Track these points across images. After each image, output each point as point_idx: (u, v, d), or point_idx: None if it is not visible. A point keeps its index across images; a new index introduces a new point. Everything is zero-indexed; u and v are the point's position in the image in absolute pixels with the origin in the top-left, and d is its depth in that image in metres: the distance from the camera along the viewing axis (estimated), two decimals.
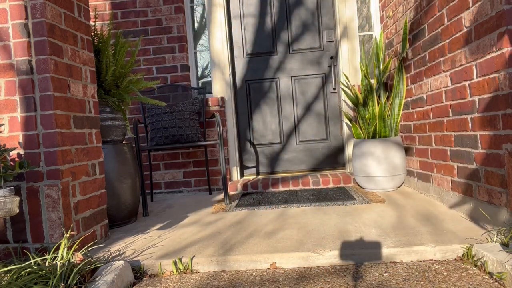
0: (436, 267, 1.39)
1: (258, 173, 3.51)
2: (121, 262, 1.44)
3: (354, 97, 2.89)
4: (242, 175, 3.49)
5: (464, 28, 1.80)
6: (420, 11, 2.33)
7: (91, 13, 3.19)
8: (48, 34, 1.62)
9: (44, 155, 1.63)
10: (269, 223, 2.01)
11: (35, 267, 1.30)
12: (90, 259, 1.47)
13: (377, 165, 2.60)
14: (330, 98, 3.42)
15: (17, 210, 1.40)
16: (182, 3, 3.31)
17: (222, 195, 3.03)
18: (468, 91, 1.80)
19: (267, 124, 3.47)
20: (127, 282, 1.41)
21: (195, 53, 3.43)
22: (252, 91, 3.47)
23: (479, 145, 1.73)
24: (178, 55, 3.27)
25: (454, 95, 1.95)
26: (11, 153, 1.63)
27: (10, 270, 1.28)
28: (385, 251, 1.47)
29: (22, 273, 1.26)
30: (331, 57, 3.36)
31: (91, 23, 3.13)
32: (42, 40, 1.61)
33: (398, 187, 2.72)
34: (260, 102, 3.47)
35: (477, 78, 1.72)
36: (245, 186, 3.07)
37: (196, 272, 1.51)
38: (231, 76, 3.37)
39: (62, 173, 1.64)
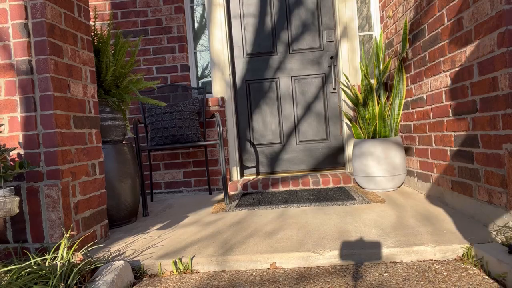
0: (436, 267, 1.39)
1: (258, 173, 3.51)
2: (121, 262, 1.44)
3: (354, 97, 2.89)
4: (242, 175, 3.49)
5: (464, 28, 1.80)
6: (420, 11, 2.33)
7: (91, 13, 3.19)
8: (48, 34, 1.62)
9: (44, 155, 1.63)
10: (269, 223, 2.01)
11: (35, 267, 1.30)
12: (90, 259, 1.47)
13: (377, 165, 2.60)
14: (330, 98, 3.42)
15: (17, 210, 1.40)
16: (182, 3, 3.31)
17: (222, 195, 3.02)
18: (468, 91, 1.80)
19: (267, 124, 3.47)
20: (127, 282, 1.41)
21: (195, 53, 3.43)
22: (252, 91, 3.47)
23: (479, 145, 1.73)
24: (178, 55, 3.27)
25: (454, 95, 1.95)
26: (11, 153, 1.63)
27: (10, 270, 1.28)
28: (385, 251, 1.47)
29: (22, 273, 1.26)
30: (331, 57, 3.36)
31: (91, 23, 3.13)
32: (42, 40, 1.61)
33: (398, 187, 2.72)
34: (260, 102, 3.47)
35: (477, 78, 1.72)
36: (245, 186, 3.07)
37: (196, 272, 1.51)
38: (231, 76, 3.37)
39: (62, 173, 1.64)
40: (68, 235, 1.60)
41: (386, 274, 1.36)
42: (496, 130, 1.59)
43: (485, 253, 1.32)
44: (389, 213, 2.04)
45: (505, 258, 1.24)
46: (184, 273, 1.51)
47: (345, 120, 3.29)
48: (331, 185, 3.03)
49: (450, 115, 2.00)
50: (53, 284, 1.22)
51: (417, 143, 2.50)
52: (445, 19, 1.99)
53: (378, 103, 2.74)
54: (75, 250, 1.59)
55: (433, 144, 2.25)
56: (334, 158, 3.45)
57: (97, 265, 1.44)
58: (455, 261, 1.43)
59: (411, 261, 1.46)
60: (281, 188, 3.05)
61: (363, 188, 2.80)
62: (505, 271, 1.21)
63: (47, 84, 1.62)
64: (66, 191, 1.65)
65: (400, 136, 2.81)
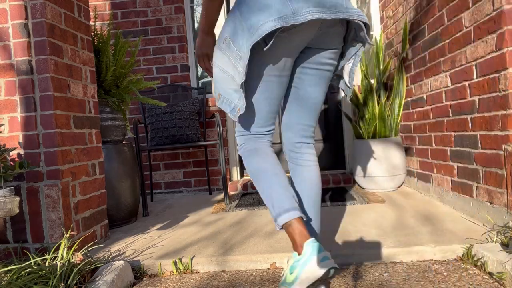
0: (436, 267, 1.39)
1: None
2: (121, 262, 1.44)
3: (354, 97, 2.89)
4: (242, 175, 3.49)
5: (464, 28, 1.80)
6: (420, 11, 2.33)
7: (91, 13, 3.19)
8: (48, 34, 1.62)
9: (44, 155, 1.63)
10: (269, 223, 2.01)
11: (35, 267, 1.30)
12: (90, 259, 1.47)
13: (377, 165, 2.60)
14: (330, 98, 3.42)
15: (17, 210, 1.40)
16: (182, 3, 3.31)
17: (222, 195, 3.03)
18: (468, 91, 1.80)
19: None
20: (127, 282, 1.41)
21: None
22: None
23: (479, 145, 1.73)
24: (178, 55, 3.27)
25: (454, 95, 1.95)
26: (11, 153, 1.63)
27: (10, 270, 1.28)
28: (385, 251, 1.47)
29: (22, 273, 1.26)
30: None
31: (91, 23, 3.13)
32: (42, 40, 1.61)
33: (398, 187, 2.72)
34: None
35: (477, 78, 1.72)
36: (245, 186, 3.07)
37: (196, 272, 1.51)
38: None
39: (62, 173, 1.65)
40: (68, 235, 1.60)
41: (386, 274, 1.36)
42: (496, 130, 1.59)
43: (485, 253, 1.32)
44: (389, 213, 2.04)
45: (505, 258, 1.24)
46: (184, 273, 1.51)
47: (345, 120, 3.29)
48: (331, 185, 3.03)
49: (450, 115, 2.01)
50: (53, 284, 1.22)
51: (417, 143, 2.50)
52: (445, 19, 1.99)
53: (378, 103, 2.74)
54: (75, 250, 1.59)
55: (433, 144, 2.25)
56: (334, 158, 3.45)
57: (97, 265, 1.44)
58: (455, 261, 1.43)
59: (411, 261, 1.46)
60: None
61: (363, 188, 2.80)
62: (505, 271, 1.21)
63: (47, 84, 1.62)
64: (66, 191, 1.65)
65: (400, 136, 2.82)
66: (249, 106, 1.25)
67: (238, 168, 3.36)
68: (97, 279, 1.31)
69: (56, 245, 1.58)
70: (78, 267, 1.32)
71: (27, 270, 1.27)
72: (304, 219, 1.15)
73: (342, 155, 3.44)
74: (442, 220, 1.83)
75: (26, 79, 1.62)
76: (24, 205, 1.62)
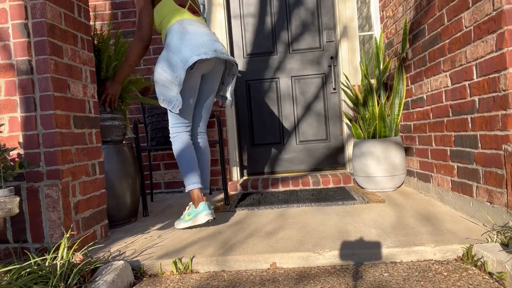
0: (436, 267, 1.39)
1: (258, 173, 3.51)
2: (121, 262, 1.44)
3: (354, 97, 2.89)
4: (242, 175, 3.49)
5: (464, 28, 1.80)
6: (420, 11, 2.33)
7: (91, 13, 3.19)
8: (48, 34, 1.62)
9: (44, 155, 1.63)
10: (269, 223, 2.01)
11: (35, 267, 1.30)
12: (90, 259, 1.47)
13: (377, 165, 2.60)
14: (330, 98, 3.42)
15: (17, 210, 1.40)
16: None
17: (222, 195, 3.03)
18: (468, 91, 1.80)
19: (267, 124, 3.47)
20: (127, 282, 1.41)
21: None
22: (252, 91, 3.47)
23: (479, 145, 1.73)
24: None
25: (454, 95, 1.95)
26: (11, 153, 1.63)
27: (10, 270, 1.28)
28: (385, 251, 1.47)
29: (22, 273, 1.26)
30: (331, 57, 3.36)
31: (91, 23, 3.13)
32: (42, 40, 1.61)
33: (398, 187, 2.72)
34: (260, 102, 3.47)
35: (477, 78, 1.72)
36: (245, 186, 3.07)
37: (196, 272, 1.51)
38: None
39: (62, 173, 1.65)
40: (68, 235, 1.60)
41: (386, 274, 1.36)
42: (496, 130, 1.59)
43: (485, 253, 1.32)
44: (389, 213, 2.04)
45: (505, 258, 1.24)
46: (184, 273, 1.51)
47: (345, 120, 3.30)
48: (331, 185, 3.03)
49: (450, 115, 2.01)
50: (53, 284, 1.22)
51: (417, 143, 2.50)
52: (445, 19, 1.99)
53: (378, 103, 2.74)
54: (75, 250, 1.59)
55: (433, 144, 2.25)
56: (334, 158, 3.45)
57: (97, 265, 1.44)
58: (455, 261, 1.43)
59: (411, 261, 1.46)
60: (281, 188, 3.05)
61: (363, 188, 2.80)
62: (505, 271, 1.21)
63: (47, 84, 1.62)
64: (66, 191, 1.65)
65: (400, 136, 2.82)
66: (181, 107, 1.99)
67: (238, 168, 3.37)
68: (97, 279, 1.31)
69: (56, 245, 1.58)
70: (78, 267, 1.32)
71: (27, 270, 1.28)
72: (202, 187, 2.00)
73: (342, 155, 3.44)
74: (442, 220, 1.83)
75: (26, 79, 1.62)
76: (24, 205, 1.62)
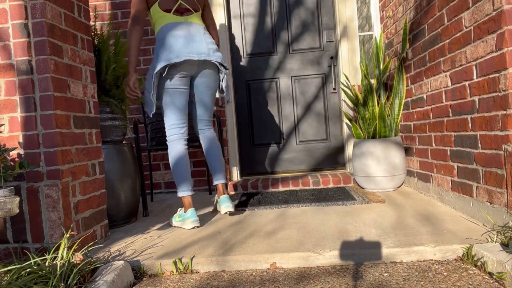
0: (436, 267, 1.39)
1: (258, 173, 3.51)
2: (121, 262, 1.44)
3: (354, 97, 2.90)
4: (242, 175, 3.49)
5: (464, 28, 1.80)
6: (420, 11, 2.33)
7: (91, 13, 3.19)
8: (48, 34, 1.62)
9: (44, 155, 1.63)
10: (269, 223, 2.01)
11: (35, 267, 1.30)
12: (90, 259, 1.47)
13: (377, 165, 2.60)
14: (330, 98, 3.42)
15: (17, 210, 1.40)
16: None
17: None
18: (468, 91, 1.80)
19: (267, 124, 3.47)
20: (127, 282, 1.41)
21: None
22: (252, 91, 3.47)
23: (479, 145, 1.73)
24: None
25: (454, 95, 1.95)
26: (11, 153, 1.63)
27: (10, 270, 1.28)
28: (385, 251, 1.47)
29: (22, 273, 1.26)
30: (331, 57, 3.36)
31: (91, 23, 3.13)
32: (42, 40, 1.61)
33: (398, 187, 2.72)
34: (260, 102, 3.47)
35: (477, 78, 1.72)
36: (245, 186, 3.07)
37: (196, 272, 1.51)
38: (231, 76, 3.37)
39: (62, 173, 1.65)
40: (68, 235, 1.60)
41: (386, 274, 1.36)
42: (496, 130, 1.59)
43: (485, 253, 1.32)
44: (389, 213, 2.04)
45: (505, 258, 1.24)
46: (184, 273, 1.51)
47: (345, 120, 3.29)
48: (331, 185, 3.03)
49: (450, 115, 2.01)
50: (53, 284, 1.22)
51: (417, 143, 2.50)
52: (445, 19, 1.99)
53: (378, 103, 2.74)
54: (75, 250, 1.59)
55: (433, 144, 2.25)
56: (334, 158, 3.45)
57: (97, 265, 1.44)
58: (455, 261, 1.43)
59: (411, 261, 1.46)
60: (281, 188, 3.05)
61: (363, 188, 2.80)
62: (505, 271, 1.21)
63: (47, 84, 1.62)
64: (66, 191, 1.65)
65: (400, 136, 2.82)
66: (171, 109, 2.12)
67: (238, 168, 3.37)
68: (97, 279, 1.31)
69: (56, 245, 1.58)
70: (78, 267, 1.32)
71: (27, 270, 1.28)
72: (192, 194, 2.11)
73: (342, 155, 3.44)
74: (442, 220, 1.83)
75: (26, 79, 1.62)
76: (24, 205, 1.62)
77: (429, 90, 2.26)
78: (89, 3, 3.10)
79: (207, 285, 1.37)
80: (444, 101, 2.07)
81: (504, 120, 1.53)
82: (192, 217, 2.01)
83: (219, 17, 3.31)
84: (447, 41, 1.98)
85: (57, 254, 1.46)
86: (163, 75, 2.02)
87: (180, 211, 2.12)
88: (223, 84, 2.23)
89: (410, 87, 2.58)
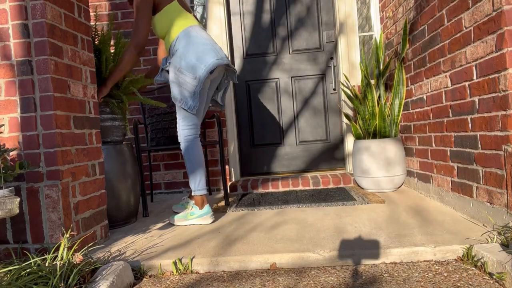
0: (436, 267, 1.39)
1: (258, 174, 3.51)
2: (121, 262, 1.44)
3: (354, 97, 2.90)
4: (242, 175, 3.49)
5: (464, 28, 1.80)
6: (420, 12, 2.33)
7: (91, 14, 3.19)
8: (48, 35, 1.62)
9: (44, 156, 1.63)
10: (269, 224, 2.01)
11: (35, 268, 1.30)
12: (90, 259, 1.47)
13: (377, 165, 2.60)
14: (330, 99, 3.42)
15: (17, 211, 1.40)
16: None
17: (222, 196, 3.03)
18: (468, 91, 1.81)
19: (267, 125, 3.48)
20: (127, 283, 1.41)
21: None
22: (252, 91, 3.47)
23: (479, 146, 1.73)
24: None
25: (454, 96, 1.95)
26: (11, 153, 1.63)
27: (10, 271, 1.28)
28: (385, 251, 1.47)
29: (22, 273, 1.26)
30: (331, 58, 3.36)
31: (91, 23, 3.13)
32: (42, 41, 1.61)
33: (398, 188, 2.72)
34: (260, 102, 3.47)
35: (477, 78, 1.72)
36: (245, 186, 3.07)
37: (196, 273, 1.51)
38: None
39: (62, 173, 1.65)
40: (68, 236, 1.60)
41: (386, 275, 1.36)
42: (496, 131, 1.59)
43: (485, 253, 1.32)
44: (389, 213, 2.04)
45: (505, 258, 1.24)
46: (184, 273, 1.51)
47: (345, 121, 3.30)
48: (331, 186, 3.03)
49: (450, 115, 2.01)
50: (53, 284, 1.22)
51: (417, 143, 2.50)
52: (445, 20, 1.99)
53: (378, 104, 2.74)
54: (75, 251, 1.59)
55: (433, 145, 2.25)
56: (334, 159, 3.45)
57: (97, 266, 1.44)
58: (455, 262, 1.43)
59: (411, 261, 1.46)
60: (281, 188, 3.05)
61: (363, 188, 2.80)
62: (505, 272, 1.21)
63: (47, 85, 1.62)
64: (66, 191, 1.65)
65: (400, 136, 2.82)
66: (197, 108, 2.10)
67: (238, 168, 3.37)
68: (97, 279, 1.31)
69: (56, 245, 1.58)
70: (78, 268, 1.32)
71: (27, 270, 1.27)
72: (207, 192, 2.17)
73: (342, 155, 3.44)
74: (442, 220, 1.83)
75: (26, 79, 1.62)
76: (24, 205, 1.62)
77: (429, 90, 2.26)
78: (89, 4, 3.10)
79: (207, 286, 1.37)
80: (444, 101, 2.07)
81: (504, 121, 1.53)
82: (210, 212, 2.11)
83: (219, 17, 3.31)
84: (447, 41, 1.98)
85: (57, 254, 1.46)
86: (211, 73, 2.06)
87: (192, 208, 2.14)
88: (221, 94, 2.34)
89: (410, 88, 2.58)
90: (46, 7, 1.62)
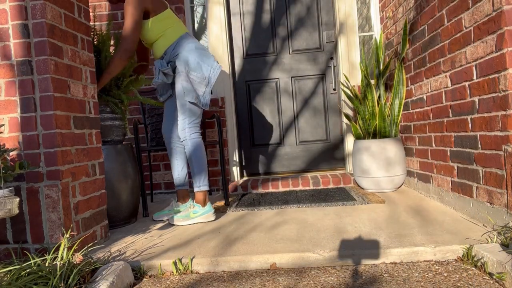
0: (436, 267, 1.39)
1: (258, 174, 3.51)
2: (121, 262, 1.44)
3: (354, 97, 2.90)
4: (242, 175, 3.49)
5: (464, 28, 1.80)
6: (420, 12, 2.33)
7: (91, 14, 3.19)
8: (48, 35, 1.62)
9: (44, 156, 1.63)
10: (269, 223, 2.01)
11: (35, 268, 1.30)
12: (90, 259, 1.47)
13: (377, 165, 2.60)
14: (330, 99, 3.42)
15: (17, 211, 1.40)
16: (182, 4, 3.31)
17: (222, 196, 3.03)
18: (468, 91, 1.81)
19: (267, 125, 3.48)
20: (127, 283, 1.41)
21: None
22: (252, 91, 3.47)
23: (479, 146, 1.73)
24: None
25: (454, 96, 1.95)
26: (11, 153, 1.63)
27: (10, 271, 1.28)
28: (385, 251, 1.47)
29: (22, 273, 1.26)
30: (331, 58, 3.36)
31: (91, 23, 3.13)
32: (42, 41, 1.61)
33: (398, 188, 2.73)
34: (260, 102, 3.47)
35: (477, 78, 1.72)
36: (245, 186, 3.07)
37: (196, 273, 1.51)
38: (231, 76, 3.38)
39: (62, 173, 1.65)
40: (68, 236, 1.60)
41: (386, 275, 1.36)
42: (496, 131, 1.59)
43: (485, 253, 1.32)
44: (389, 213, 2.04)
45: (505, 258, 1.24)
46: (184, 273, 1.51)
47: (345, 121, 3.30)
48: (331, 186, 3.03)
49: (450, 115, 2.01)
50: (53, 284, 1.22)
51: (417, 143, 2.51)
52: (445, 20, 1.99)
53: (378, 104, 2.74)
54: (75, 251, 1.59)
55: (433, 145, 2.25)
56: (334, 159, 3.45)
57: (97, 266, 1.44)
58: (455, 262, 1.43)
59: (411, 261, 1.46)
60: (281, 189, 3.05)
61: (363, 188, 2.80)
62: (505, 272, 1.21)
63: (47, 85, 1.62)
64: (66, 191, 1.65)
65: (400, 136, 2.82)
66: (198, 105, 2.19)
67: (238, 168, 3.37)
68: (97, 279, 1.31)
69: (56, 245, 1.58)
70: (78, 268, 1.32)
71: (27, 270, 1.27)
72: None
73: (342, 155, 3.44)
74: (442, 220, 1.83)
75: (26, 79, 1.62)
76: (24, 205, 1.62)
77: (429, 90, 2.26)
78: (89, 4, 3.10)
79: (207, 286, 1.37)
80: (444, 101, 2.07)
81: (504, 121, 1.53)
82: (212, 209, 2.19)
83: (219, 16, 3.31)
84: (447, 41, 1.98)
85: (57, 254, 1.46)
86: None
87: (194, 207, 2.18)
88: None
89: (410, 88, 2.58)
90: (46, 7, 1.62)
